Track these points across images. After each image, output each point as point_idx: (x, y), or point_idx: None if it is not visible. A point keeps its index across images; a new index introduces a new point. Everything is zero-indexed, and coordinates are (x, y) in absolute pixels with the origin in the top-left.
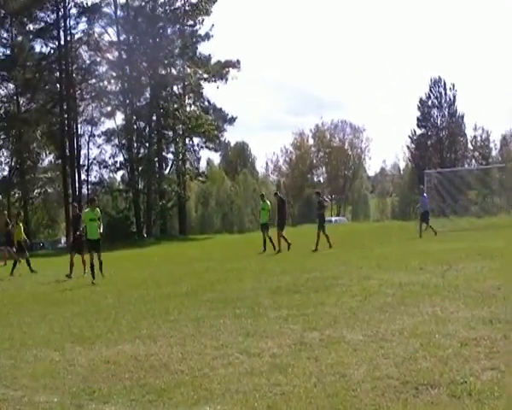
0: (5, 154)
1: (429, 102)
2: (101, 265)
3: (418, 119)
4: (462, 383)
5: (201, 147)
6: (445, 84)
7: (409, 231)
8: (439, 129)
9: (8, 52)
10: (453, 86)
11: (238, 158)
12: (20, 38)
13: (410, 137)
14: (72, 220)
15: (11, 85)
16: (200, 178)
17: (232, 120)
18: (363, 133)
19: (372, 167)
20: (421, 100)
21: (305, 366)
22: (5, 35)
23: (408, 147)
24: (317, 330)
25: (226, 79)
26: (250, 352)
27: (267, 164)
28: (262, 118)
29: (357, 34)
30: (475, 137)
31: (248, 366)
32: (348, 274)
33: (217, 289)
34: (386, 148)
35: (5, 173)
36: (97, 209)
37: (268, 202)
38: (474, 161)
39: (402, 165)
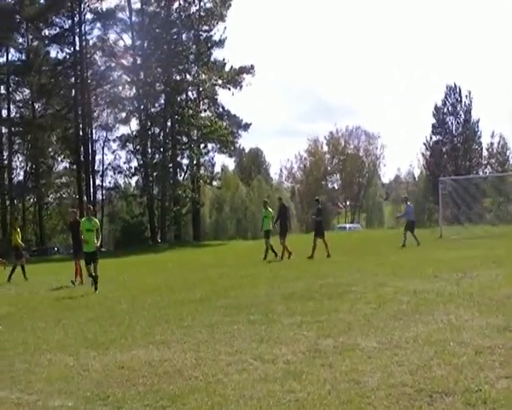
0: (20, 159)
1: (445, 110)
2: (97, 279)
3: (433, 126)
4: (476, 391)
5: (215, 151)
6: (460, 91)
7: (424, 239)
8: (454, 136)
9: (24, 57)
10: (469, 93)
11: (252, 164)
12: (35, 44)
13: (424, 144)
14: (71, 226)
15: (26, 91)
16: (215, 184)
17: (247, 127)
18: (378, 140)
19: (386, 175)
20: (436, 107)
21: (319, 372)
22: (21, 40)
23: (423, 154)
24: (331, 337)
25: (241, 86)
26: (264, 358)
27: (281, 170)
28: (275, 124)
29: (367, 39)
30: (492, 144)
31: (262, 372)
32: (363, 281)
33: (231, 296)
34: (401, 155)
35: (20, 178)
36: (95, 219)
37: (270, 210)
38: (489, 168)
39: (417, 172)
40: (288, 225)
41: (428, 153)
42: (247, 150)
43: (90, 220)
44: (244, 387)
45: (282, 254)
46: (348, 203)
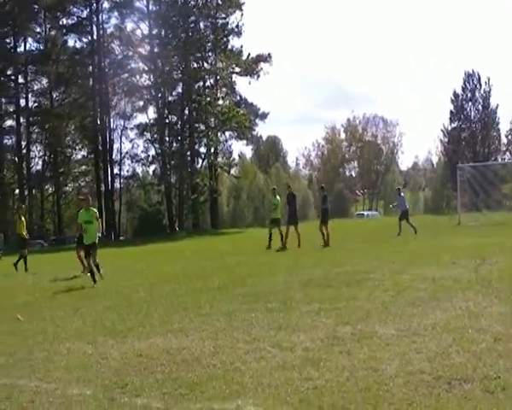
0: (38, 148)
1: (463, 96)
2: (98, 267)
3: (451, 112)
4: (495, 378)
5: (233, 139)
6: (479, 77)
7: (442, 226)
8: (472, 122)
9: (42, 47)
10: (488, 80)
11: (270, 152)
12: (53, 33)
13: (442, 130)
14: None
15: (44, 80)
16: (233, 173)
17: (264, 116)
18: (396, 128)
19: (404, 162)
20: (454, 93)
21: (338, 360)
22: (38, 30)
23: (441, 141)
24: (350, 324)
25: (258, 75)
26: (282, 346)
27: (297, 159)
28: (292, 112)
29: (384, 26)
30: (511, 130)
31: (280, 359)
32: (380, 268)
33: (248, 283)
34: (419, 142)
35: (39, 168)
36: (93, 209)
37: (278, 198)
38: (508, 154)
39: (435, 159)
40: (296, 213)
41: (446, 140)
42: (264, 138)
43: (87, 211)
44: (262, 375)
45: (298, 242)
46: (366, 191)
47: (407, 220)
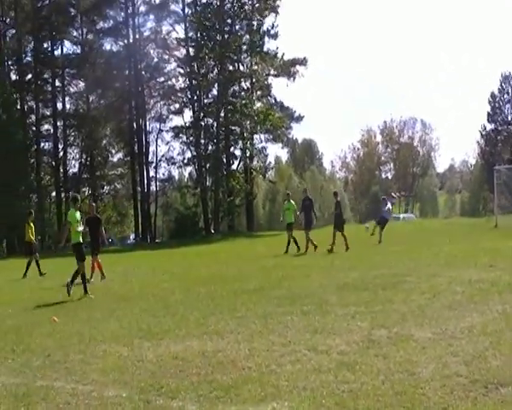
0: (75, 151)
1: (500, 97)
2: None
3: (489, 114)
4: None
5: (268, 142)
6: None
7: (479, 228)
8: (509, 124)
9: (79, 50)
10: None
11: (305, 155)
12: (90, 37)
13: (480, 132)
14: (90, 221)
15: (81, 83)
16: (269, 177)
17: (299, 119)
18: (434, 130)
19: (440, 164)
20: (492, 94)
21: (373, 363)
22: (75, 33)
23: (478, 143)
24: (385, 327)
25: (294, 77)
26: (318, 349)
27: (332, 162)
28: (328, 113)
29: (418, 27)
30: None
31: (316, 362)
32: (416, 271)
33: (284, 286)
34: (456, 144)
35: (75, 170)
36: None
37: (293, 202)
38: None
39: (472, 161)
40: (312, 217)
41: (483, 141)
42: (299, 141)
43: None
44: (297, 378)
45: (306, 247)
46: (402, 193)
47: (381, 228)
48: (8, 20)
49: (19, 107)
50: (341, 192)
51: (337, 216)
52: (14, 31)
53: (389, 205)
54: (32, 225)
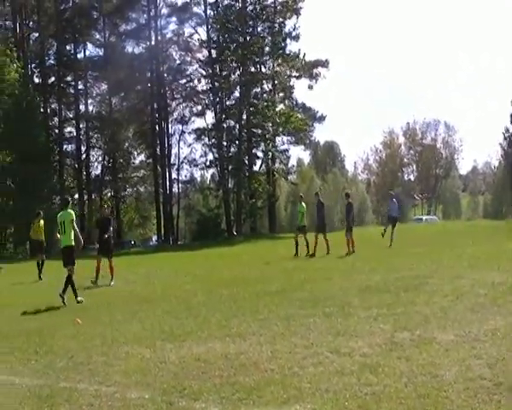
0: (98, 153)
1: None
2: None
3: None
4: None
5: (290, 144)
6: None
7: (502, 230)
8: None
9: (101, 53)
10: None
11: (327, 157)
12: (112, 39)
13: (503, 134)
14: (101, 221)
15: (104, 86)
16: (291, 179)
17: (322, 119)
18: (457, 132)
19: (463, 166)
20: None
21: (396, 365)
22: (98, 36)
23: (500, 145)
24: (408, 329)
25: (316, 79)
26: (340, 351)
27: (355, 164)
28: (350, 115)
29: (436, 28)
30: None
31: (338, 365)
32: (439, 273)
33: (306, 288)
34: (479, 146)
35: (98, 172)
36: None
37: (304, 205)
38: None
39: (495, 163)
40: (324, 221)
41: (506, 143)
42: (321, 143)
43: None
44: (320, 380)
45: (327, 248)
46: (424, 195)
47: (392, 228)
48: (31, 23)
49: (42, 110)
50: (363, 194)
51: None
52: (37, 34)
53: (395, 202)
54: (41, 222)
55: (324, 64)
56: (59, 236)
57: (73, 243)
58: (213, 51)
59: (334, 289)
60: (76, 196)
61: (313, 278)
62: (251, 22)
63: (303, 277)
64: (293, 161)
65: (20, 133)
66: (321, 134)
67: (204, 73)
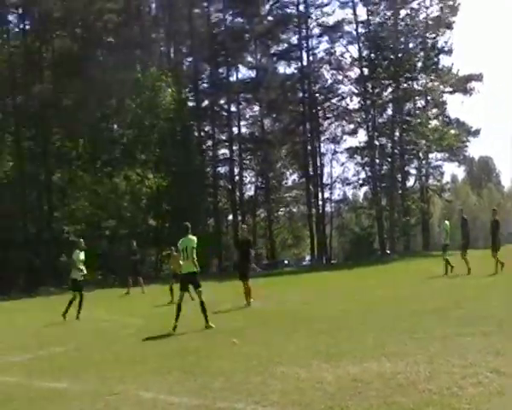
0: (251, 174)
1: None
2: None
3: None
4: None
5: (444, 160)
6: None
7: None
8: None
9: (253, 75)
10: None
11: (482, 172)
12: (264, 61)
13: None
14: (241, 243)
15: (256, 107)
16: (445, 197)
17: (476, 133)
18: None
19: None
20: None
21: None
22: (250, 58)
23: None
24: None
25: (470, 94)
26: (500, 371)
27: (511, 179)
28: (501, 128)
29: None
30: None
31: (499, 385)
32: None
33: (463, 307)
34: None
35: (251, 193)
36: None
37: (447, 223)
38: None
39: None
40: (468, 238)
41: None
42: (476, 159)
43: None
44: (480, 401)
45: (468, 269)
46: None
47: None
48: (185, 49)
49: (196, 133)
50: None
51: (494, 236)
52: (190, 58)
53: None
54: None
55: (478, 78)
56: (181, 262)
57: (196, 269)
58: (365, 69)
59: (492, 308)
60: (229, 217)
61: (470, 295)
62: (403, 39)
63: (460, 295)
64: (447, 178)
65: (175, 157)
66: (475, 149)
67: (356, 91)
